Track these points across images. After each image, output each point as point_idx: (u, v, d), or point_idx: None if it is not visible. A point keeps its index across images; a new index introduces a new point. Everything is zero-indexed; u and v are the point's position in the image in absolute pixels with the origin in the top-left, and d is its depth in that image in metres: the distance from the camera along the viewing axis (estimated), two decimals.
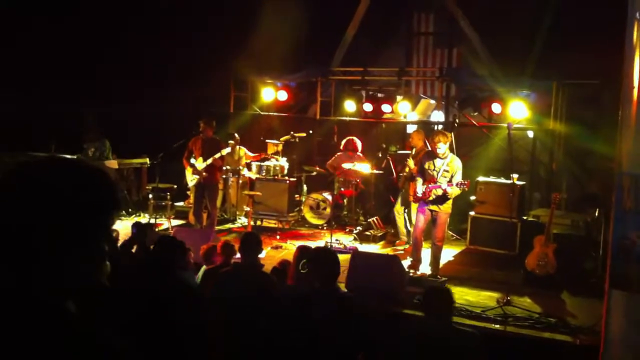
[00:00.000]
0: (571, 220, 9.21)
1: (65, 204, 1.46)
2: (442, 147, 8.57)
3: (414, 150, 10.28)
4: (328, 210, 11.54)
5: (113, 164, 11.92)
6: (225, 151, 10.59)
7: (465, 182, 8.44)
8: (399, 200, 10.64)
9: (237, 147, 11.90)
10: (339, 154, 11.95)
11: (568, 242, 8.61)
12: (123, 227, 11.12)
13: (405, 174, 10.38)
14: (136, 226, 6.66)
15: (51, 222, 1.44)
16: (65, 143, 11.76)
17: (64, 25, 12.45)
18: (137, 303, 4.11)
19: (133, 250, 6.71)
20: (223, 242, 6.98)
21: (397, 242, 10.72)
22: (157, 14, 13.23)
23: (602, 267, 7.31)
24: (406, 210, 10.54)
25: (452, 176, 8.53)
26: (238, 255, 6.26)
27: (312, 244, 10.06)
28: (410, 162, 10.12)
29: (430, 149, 9.49)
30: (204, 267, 6.77)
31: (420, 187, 8.77)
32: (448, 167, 8.60)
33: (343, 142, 11.94)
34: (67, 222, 1.46)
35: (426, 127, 12.55)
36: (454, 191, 8.49)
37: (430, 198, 8.63)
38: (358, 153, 11.77)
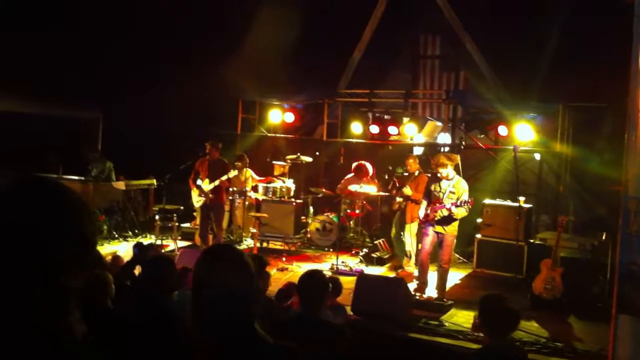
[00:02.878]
0: (578, 243, 9.17)
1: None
2: (445, 172, 8.58)
3: (414, 173, 10.34)
4: (334, 232, 11.53)
5: (120, 185, 11.98)
6: (233, 173, 10.62)
7: (469, 200, 8.43)
8: (395, 226, 10.56)
9: (245, 168, 11.93)
10: (348, 176, 11.94)
11: (575, 265, 8.55)
12: (130, 248, 11.16)
13: (399, 199, 10.35)
14: (137, 247, 6.65)
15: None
16: (73, 161, 11.84)
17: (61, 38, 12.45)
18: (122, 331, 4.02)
19: (136, 272, 6.70)
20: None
21: (401, 270, 10.52)
22: (162, 38, 13.29)
23: (609, 291, 7.27)
24: (402, 233, 10.48)
25: (457, 198, 8.52)
26: None
27: (318, 266, 10.09)
28: (407, 190, 10.14)
29: (433, 172, 9.52)
30: None
31: (423, 209, 8.79)
32: (454, 188, 8.60)
33: (354, 165, 11.89)
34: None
35: (433, 149, 12.57)
36: (459, 212, 8.47)
37: (437, 218, 8.61)
38: (369, 177, 11.79)
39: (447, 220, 8.62)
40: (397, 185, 11.02)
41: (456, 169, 8.97)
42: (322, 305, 4.67)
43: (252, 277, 2.43)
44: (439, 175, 8.62)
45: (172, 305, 4.76)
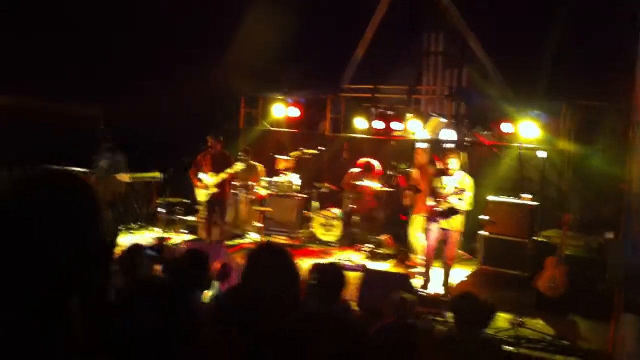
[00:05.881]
0: (584, 242, 9.21)
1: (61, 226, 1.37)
2: (454, 164, 8.64)
3: (420, 163, 10.43)
4: (339, 227, 11.55)
5: (125, 177, 11.94)
6: (239, 167, 10.64)
7: (461, 189, 8.51)
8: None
9: (252, 162, 12.04)
10: (353, 170, 11.95)
11: (580, 264, 8.59)
12: (133, 241, 11.17)
13: (410, 185, 10.45)
14: (158, 248, 6.59)
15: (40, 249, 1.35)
16: (77, 152, 11.77)
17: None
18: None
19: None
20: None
21: (409, 261, 10.72)
22: (165, 30, 13.22)
23: (613, 290, 7.32)
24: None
25: (461, 192, 8.58)
26: None
27: (323, 261, 10.14)
28: (415, 172, 10.30)
29: (437, 166, 9.61)
30: (217, 284, 6.73)
31: (430, 203, 8.88)
32: (458, 184, 8.66)
33: (361, 162, 11.88)
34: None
35: (436, 145, 12.58)
36: (460, 204, 8.54)
37: (439, 209, 8.66)
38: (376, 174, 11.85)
39: (451, 214, 8.67)
40: (400, 181, 11.08)
41: (463, 166, 9.02)
42: (339, 299, 4.64)
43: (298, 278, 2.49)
44: (450, 166, 8.66)
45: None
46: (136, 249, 5.90)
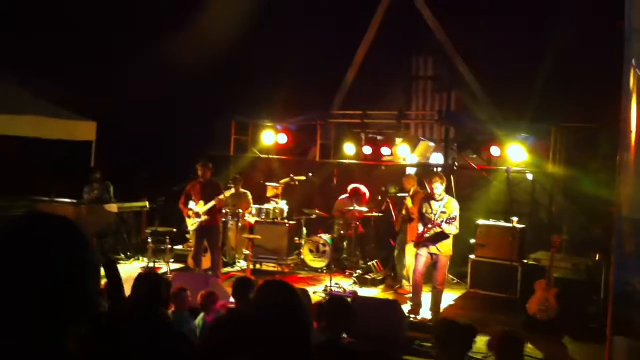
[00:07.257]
0: (572, 264, 9.16)
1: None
2: (439, 188, 8.60)
3: (412, 191, 10.40)
4: (328, 253, 11.49)
5: (113, 207, 11.89)
6: (229, 192, 10.59)
7: (452, 217, 8.46)
8: (398, 246, 10.66)
9: (244, 191, 11.98)
10: (342, 197, 11.95)
11: (570, 286, 8.54)
12: (122, 271, 11.07)
13: (403, 215, 10.43)
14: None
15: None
16: (66, 182, 11.72)
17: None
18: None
19: None
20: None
21: (399, 288, 10.63)
22: (161, 57, 13.22)
23: (604, 312, 7.25)
24: (402, 253, 10.53)
25: (449, 217, 8.54)
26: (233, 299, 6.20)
27: (312, 288, 10.06)
28: (409, 201, 10.21)
29: (427, 192, 9.57)
30: (202, 315, 6.64)
31: (421, 228, 8.82)
32: (445, 208, 8.62)
33: (350, 188, 11.88)
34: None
35: (425, 169, 12.57)
36: (449, 229, 8.49)
37: (429, 234, 8.60)
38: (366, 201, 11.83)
39: (440, 238, 8.61)
40: (392, 206, 11.06)
41: (447, 189, 8.98)
42: (344, 331, 4.64)
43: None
44: (435, 191, 8.63)
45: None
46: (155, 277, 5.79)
